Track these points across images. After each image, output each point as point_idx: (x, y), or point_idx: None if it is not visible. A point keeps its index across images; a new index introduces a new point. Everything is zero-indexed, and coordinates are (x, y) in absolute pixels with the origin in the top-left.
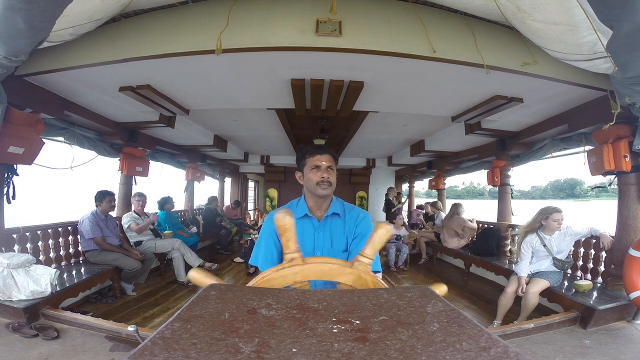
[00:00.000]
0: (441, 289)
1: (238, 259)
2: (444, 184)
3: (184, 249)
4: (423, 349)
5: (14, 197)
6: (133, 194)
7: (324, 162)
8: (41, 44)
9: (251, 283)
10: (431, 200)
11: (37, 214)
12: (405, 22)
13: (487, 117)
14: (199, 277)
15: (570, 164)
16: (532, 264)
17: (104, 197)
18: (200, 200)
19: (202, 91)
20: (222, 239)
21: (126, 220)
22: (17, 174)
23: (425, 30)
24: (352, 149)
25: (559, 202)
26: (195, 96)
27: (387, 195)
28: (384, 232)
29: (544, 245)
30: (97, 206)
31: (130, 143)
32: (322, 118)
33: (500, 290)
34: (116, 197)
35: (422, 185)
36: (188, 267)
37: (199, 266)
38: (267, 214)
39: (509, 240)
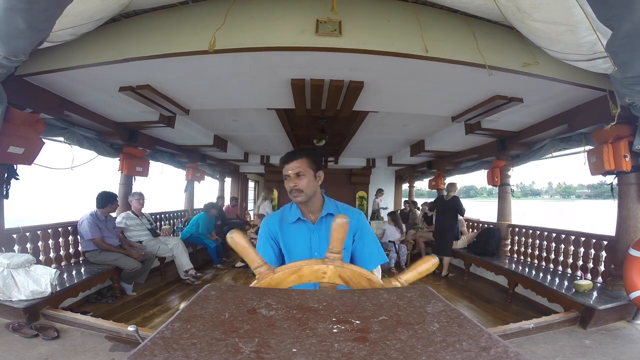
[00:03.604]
0: (433, 260)
1: (239, 264)
2: (444, 184)
3: (182, 248)
4: (423, 349)
5: (7, 196)
6: (132, 192)
7: (290, 171)
8: (41, 44)
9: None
10: (429, 200)
11: (37, 214)
12: (405, 22)
13: (487, 117)
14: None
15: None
16: None
17: (106, 203)
18: (201, 201)
19: (202, 91)
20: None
21: (118, 220)
22: (17, 174)
23: (421, 29)
24: (352, 149)
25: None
26: (195, 96)
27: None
28: (339, 223)
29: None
30: (98, 208)
31: (130, 143)
32: (322, 118)
33: (501, 290)
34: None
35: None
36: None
37: (185, 271)
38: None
39: (509, 240)
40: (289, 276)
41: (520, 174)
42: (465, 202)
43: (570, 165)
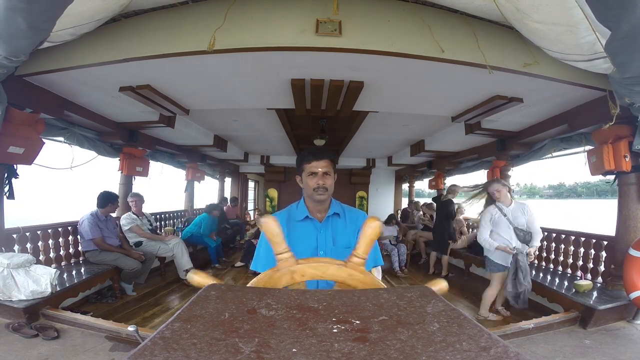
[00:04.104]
0: (441, 285)
1: (238, 263)
2: (444, 184)
3: (182, 248)
4: (423, 349)
5: (12, 196)
6: (131, 193)
7: (319, 169)
8: (41, 44)
9: (249, 285)
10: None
11: (37, 214)
12: (405, 22)
13: (487, 117)
14: (198, 279)
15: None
16: (498, 235)
17: (107, 203)
18: (201, 200)
19: (202, 91)
20: (229, 237)
21: (126, 221)
22: (17, 174)
23: (422, 29)
24: (352, 149)
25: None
26: (195, 96)
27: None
28: (373, 227)
29: (504, 215)
30: (98, 208)
31: (130, 143)
32: (322, 118)
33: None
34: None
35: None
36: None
37: (185, 271)
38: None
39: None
40: (309, 270)
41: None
42: None
43: (536, 168)
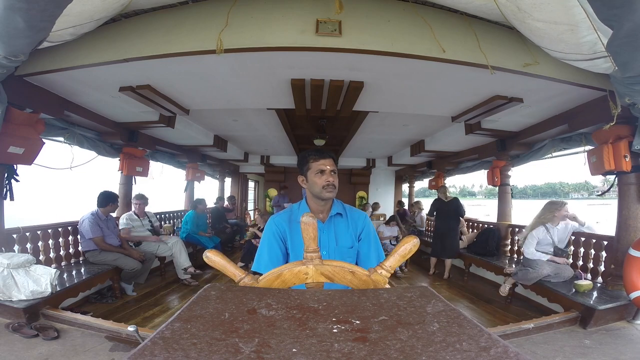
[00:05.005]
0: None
1: (239, 263)
2: (444, 184)
3: (181, 246)
4: (423, 349)
5: (12, 198)
6: (134, 195)
7: (328, 167)
8: (41, 44)
9: (267, 275)
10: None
11: (37, 214)
12: (405, 22)
13: (487, 117)
14: (217, 260)
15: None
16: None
17: (108, 202)
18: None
19: (202, 91)
20: (228, 237)
21: (123, 222)
22: (17, 175)
23: (430, 30)
24: (352, 149)
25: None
26: (195, 96)
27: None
28: (409, 247)
29: (550, 236)
30: (98, 207)
31: (130, 143)
32: (322, 118)
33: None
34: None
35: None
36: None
37: (184, 269)
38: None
39: (509, 240)
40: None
41: (466, 179)
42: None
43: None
